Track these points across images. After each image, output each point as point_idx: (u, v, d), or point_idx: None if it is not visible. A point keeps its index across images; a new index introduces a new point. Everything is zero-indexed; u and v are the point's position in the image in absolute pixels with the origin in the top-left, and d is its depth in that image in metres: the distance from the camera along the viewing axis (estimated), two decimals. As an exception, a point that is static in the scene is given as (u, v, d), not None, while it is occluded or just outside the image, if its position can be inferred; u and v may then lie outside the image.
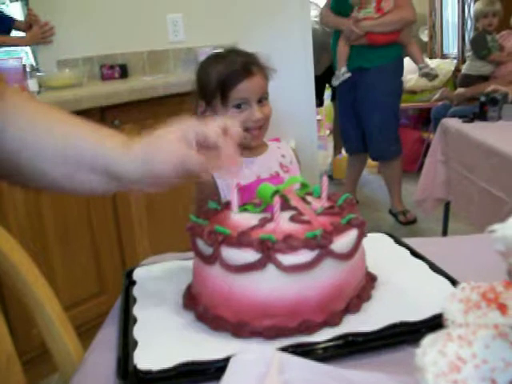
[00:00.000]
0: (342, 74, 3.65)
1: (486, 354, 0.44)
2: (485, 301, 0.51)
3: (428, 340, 0.48)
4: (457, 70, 5.25)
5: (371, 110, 3.71)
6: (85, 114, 2.25)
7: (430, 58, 6.14)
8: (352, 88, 3.71)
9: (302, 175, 0.92)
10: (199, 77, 1.54)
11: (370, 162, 4.40)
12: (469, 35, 5.32)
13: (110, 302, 0.91)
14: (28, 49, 3.15)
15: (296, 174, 1.49)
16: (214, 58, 1.56)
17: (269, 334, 0.72)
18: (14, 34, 3.15)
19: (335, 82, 3.74)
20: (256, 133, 1.48)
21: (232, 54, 1.55)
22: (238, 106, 1.46)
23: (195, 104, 1.55)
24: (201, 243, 0.78)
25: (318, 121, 5.69)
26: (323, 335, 0.72)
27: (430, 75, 3.78)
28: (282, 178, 0.90)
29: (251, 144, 1.49)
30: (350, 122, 3.89)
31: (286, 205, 0.85)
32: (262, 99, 1.50)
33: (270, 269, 0.72)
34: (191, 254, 0.83)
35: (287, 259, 0.71)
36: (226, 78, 1.46)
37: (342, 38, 3.65)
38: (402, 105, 4.19)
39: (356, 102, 3.78)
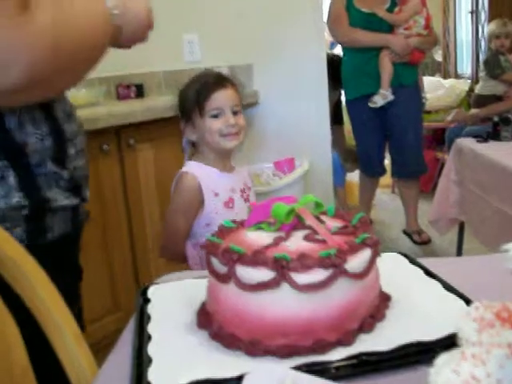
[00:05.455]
0: (390, 94, 3.54)
1: (500, 374, 0.44)
2: (499, 320, 0.51)
3: (442, 359, 0.48)
4: (471, 89, 5.25)
5: (407, 127, 3.64)
6: (100, 133, 2.30)
7: (444, 77, 6.15)
8: (383, 108, 3.60)
9: (315, 195, 0.93)
10: (179, 99, 1.75)
11: (383, 181, 4.39)
12: (483, 55, 5.33)
13: (123, 319, 0.91)
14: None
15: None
16: (190, 81, 1.75)
17: (282, 352, 0.72)
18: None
19: (380, 102, 3.57)
20: (232, 138, 1.69)
21: (205, 73, 1.78)
22: (215, 116, 1.67)
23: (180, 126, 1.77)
24: (215, 262, 0.78)
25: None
26: (336, 354, 0.72)
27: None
28: (295, 198, 0.90)
29: (228, 146, 1.70)
30: (378, 144, 3.81)
31: (300, 224, 0.86)
32: (236, 111, 1.70)
33: (285, 288, 0.72)
34: (206, 272, 0.83)
35: (301, 278, 0.71)
36: (201, 90, 1.68)
37: (387, 54, 3.53)
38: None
39: (388, 122, 3.68)
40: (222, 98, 1.67)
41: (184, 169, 1.72)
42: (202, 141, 1.72)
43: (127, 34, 1.15)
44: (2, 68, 0.87)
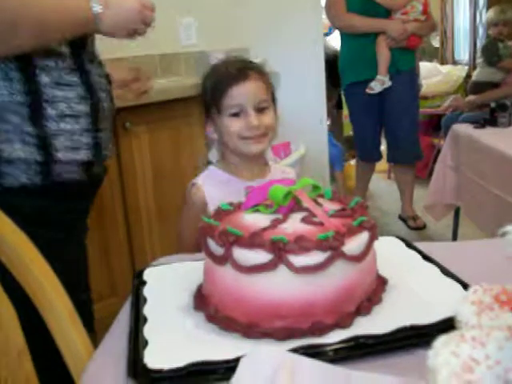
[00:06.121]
0: (388, 80, 3.51)
1: (499, 355, 0.44)
2: (497, 303, 0.51)
3: (440, 341, 0.48)
4: (468, 76, 5.24)
5: (403, 113, 3.62)
6: (96, 115, 2.26)
7: (441, 64, 6.13)
8: (380, 94, 3.56)
9: (312, 178, 0.92)
10: (201, 89, 1.45)
11: (379, 167, 4.38)
12: (480, 42, 5.31)
13: (120, 303, 0.91)
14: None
15: None
16: (211, 69, 1.46)
17: (280, 335, 0.72)
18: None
19: (378, 88, 3.53)
20: (256, 141, 1.38)
21: (227, 61, 1.47)
22: (236, 115, 1.36)
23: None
24: (212, 244, 0.78)
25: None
26: (334, 337, 0.72)
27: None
28: (293, 180, 0.90)
29: (250, 151, 1.39)
30: (374, 130, 3.78)
31: (297, 206, 0.85)
32: (263, 107, 1.38)
33: (282, 270, 0.72)
34: (202, 254, 0.83)
35: (299, 260, 0.71)
36: (217, 83, 1.38)
37: (384, 39, 3.48)
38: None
39: (384, 108, 3.65)
40: (241, 94, 1.35)
41: (195, 179, 1.44)
42: (222, 141, 1.43)
43: (115, 25, 1.24)
44: None
